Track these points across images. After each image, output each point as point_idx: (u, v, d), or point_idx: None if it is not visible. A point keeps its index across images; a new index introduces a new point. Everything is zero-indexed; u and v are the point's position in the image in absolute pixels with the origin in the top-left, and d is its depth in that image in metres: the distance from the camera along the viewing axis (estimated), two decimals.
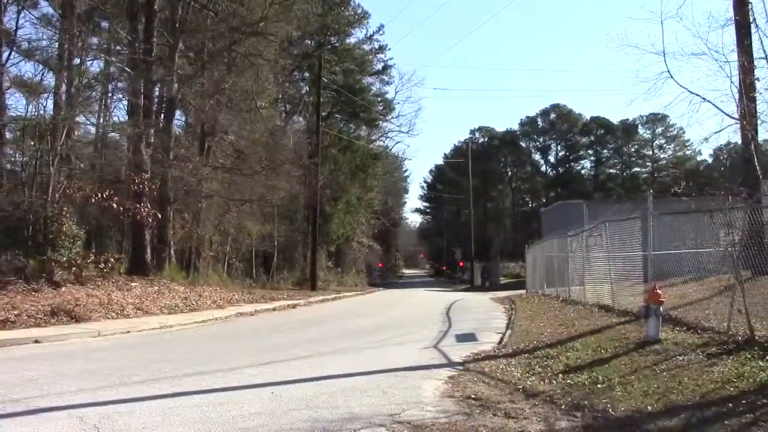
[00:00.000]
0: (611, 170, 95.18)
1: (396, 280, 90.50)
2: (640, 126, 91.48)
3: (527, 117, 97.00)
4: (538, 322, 14.96)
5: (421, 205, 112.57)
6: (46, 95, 21.68)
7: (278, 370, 9.07)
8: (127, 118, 26.67)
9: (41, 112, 20.52)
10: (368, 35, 48.96)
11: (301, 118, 46.02)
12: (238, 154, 30.61)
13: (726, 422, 5.64)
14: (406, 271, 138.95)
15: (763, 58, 10.88)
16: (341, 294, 35.40)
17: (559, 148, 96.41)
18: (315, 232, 37.85)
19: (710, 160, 72.98)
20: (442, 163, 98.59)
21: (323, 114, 42.81)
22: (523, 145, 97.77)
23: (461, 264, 67.14)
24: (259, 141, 31.55)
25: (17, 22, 22.76)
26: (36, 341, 11.84)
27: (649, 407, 6.38)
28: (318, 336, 13.83)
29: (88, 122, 28.48)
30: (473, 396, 7.35)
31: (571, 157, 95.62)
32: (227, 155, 30.81)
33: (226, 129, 29.55)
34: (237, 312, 19.44)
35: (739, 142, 12.48)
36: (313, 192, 36.96)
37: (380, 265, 69.05)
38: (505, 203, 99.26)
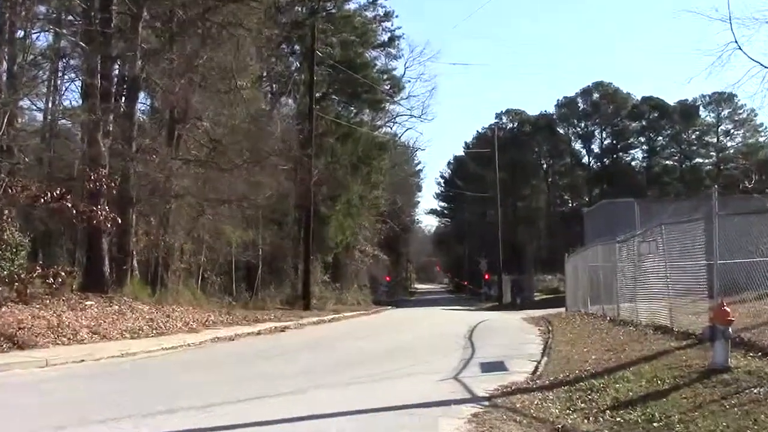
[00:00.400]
0: (667, 161, 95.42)
1: (407, 297, 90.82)
2: (702, 108, 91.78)
3: (565, 97, 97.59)
4: (581, 346, 15.00)
5: (437, 205, 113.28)
6: None
7: (262, 408, 9.06)
8: (80, 102, 26.74)
9: None
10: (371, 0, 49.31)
11: (290, 101, 46.24)
12: (214, 145, 30.62)
13: None
14: (420, 286, 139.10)
15: None
16: (340, 314, 35.45)
17: (604, 135, 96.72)
18: (308, 238, 37.88)
19: None
20: (463, 154, 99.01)
21: (317, 95, 42.81)
22: (561, 131, 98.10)
23: (486, 277, 67.45)
24: (239, 128, 31.47)
25: None
26: None
27: None
28: (311, 365, 13.93)
29: (34, 107, 28.63)
30: None
31: (618, 146, 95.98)
32: (201, 146, 30.88)
33: (199, 114, 29.59)
34: (213, 336, 19.50)
35: None
36: (305, 190, 37.05)
37: (387, 278, 69.33)
38: (539, 202, 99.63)
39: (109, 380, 11.71)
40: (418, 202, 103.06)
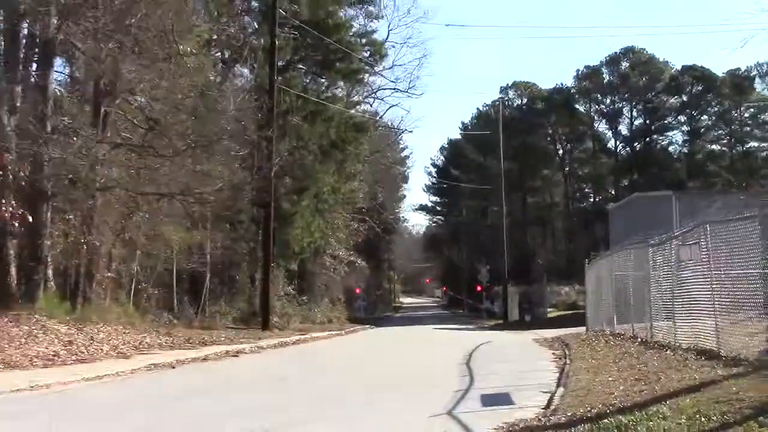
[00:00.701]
0: (714, 146, 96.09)
1: (391, 313, 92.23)
2: (758, 79, 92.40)
3: (587, 67, 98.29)
4: (605, 375, 15.03)
5: (427, 200, 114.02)
6: None
7: None
8: None
9: None
10: None
11: (246, 70, 46.45)
12: (151, 125, 30.15)
13: None
14: (406, 300, 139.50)
15: None
16: (308, 334, 35.70)
17: (635, 113, 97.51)
18: (268, 241, 38.05)
19: None
20: (460, 137, 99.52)
21: (280, 64, 42.84)
22: (582, 109, 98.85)
23: (480, 289, 68.03)
24: (182, 105, 30.97)
25: None
26: None
27: None
28: (268, 401, 13.91)
29: None
30: None
31: (653, 127, 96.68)
32: (135, 127, 30.55)
33: (132, 87, 29.23)
34: (149, 363, 19.43)
35: None
36: (265, 181, 37.14)
37: (357, 291, 69.97)
38: (554, 197, 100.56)
39: (7, 426, 11.49)
40: (404, 196, 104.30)
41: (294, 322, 42.00)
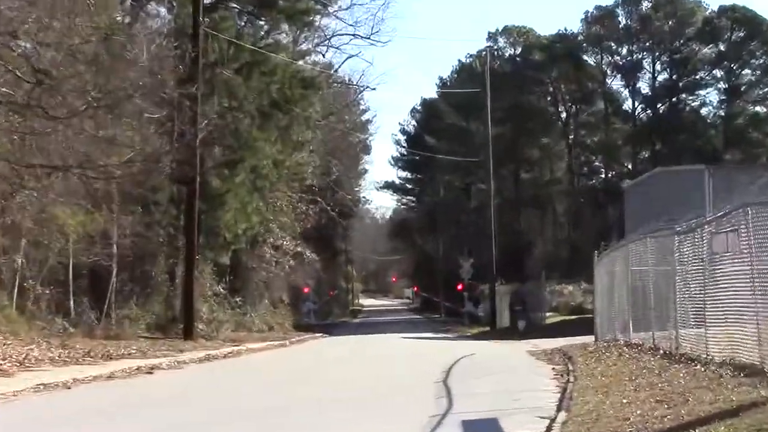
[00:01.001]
0: (758, 108, 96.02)
1: (348, 319, 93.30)
2: None
3: (598, 8, 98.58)
4: (618, 395, 14.98)
5: (395, 175, 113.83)
6: None
7: None
8: None
9: None
10: None
11: (163, 10, 46.60)
12: (39, 79, 29.65)
13: None
14: (368, 303, 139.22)
15: None
16: (242, 345, 36.07)
17: (658, 66, 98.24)
18: (192, 228, 38.23)
19: None
20: (436, 96, 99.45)
21: (207, 1, 42.88)
22: (591, 61, 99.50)
23: (461, 288, 68.43)
24: (81, 52, 30.65)
25: None
26: None
27: None
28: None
29: None
30: None
31: (680, 84, 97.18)
32: (18, 80, 29.91)
33: (14, 29, 28.77)
34: (37, 383, 19.30)
35: None
36: (188, 152, 37.15)
37: (305, 290, 70.25)
38: (555, 172, 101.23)
39: None
40: (366, 171, 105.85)
41: (225, 330, 42.27)
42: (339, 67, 66.67)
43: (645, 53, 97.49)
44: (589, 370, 20.26)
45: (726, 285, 17.26)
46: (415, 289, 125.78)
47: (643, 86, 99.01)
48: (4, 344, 23.96)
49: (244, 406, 17.01)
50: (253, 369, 28.16)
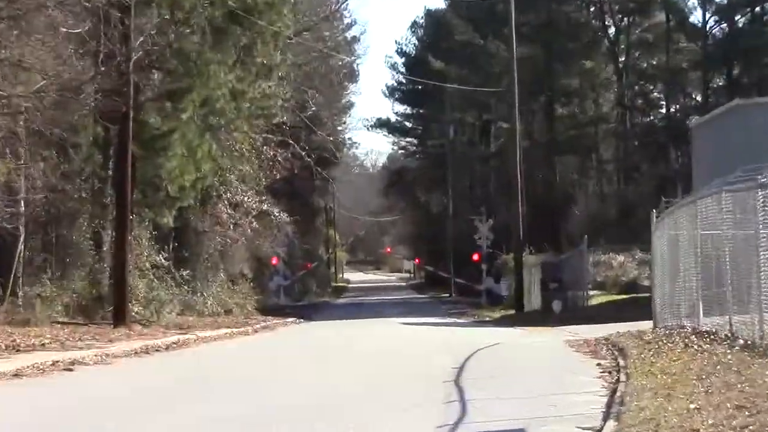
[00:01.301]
0: None
1: (329, 298, 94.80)
2: None
3: None
4: (684, 400, 15.00)
5: (391, 110, 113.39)
6: None
7: None
8: None
9: None
10: None
11: None
12: None
13: None
14: (355, 278, 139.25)
15: None
16: (190, 334, 36.37)
17: None
18: (125, 180, 38.29)
19: None
20: (444, 4, 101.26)
21: None
22: None
23: (478, 258, 69.82)
24: None
25: None
26: None
27: None
28: None
29: None
30: None
31: None
32: None
33: None
34: None
35: None
36: (119, 80, 37.16)
37: (274, 261, 70.56)
38: (600, 105, 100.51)
39: None
40: (352, 105, 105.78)
41: (168, 314, 42.86)
42: None
43: None
44: (645, 367, 20.34)
45: None
46: (416, 261, 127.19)
47: None
48: None
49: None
50: (205, 366, 28.15)
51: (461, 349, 28.81)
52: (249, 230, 57.97)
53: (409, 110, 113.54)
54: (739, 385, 15.30)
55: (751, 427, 11.99)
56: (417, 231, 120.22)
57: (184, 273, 48.80)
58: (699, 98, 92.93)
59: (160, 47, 43.03)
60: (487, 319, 57.38)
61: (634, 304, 44.96)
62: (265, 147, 58.95)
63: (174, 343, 33.02)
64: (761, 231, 20.75)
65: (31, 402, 19.21)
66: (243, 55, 49.76)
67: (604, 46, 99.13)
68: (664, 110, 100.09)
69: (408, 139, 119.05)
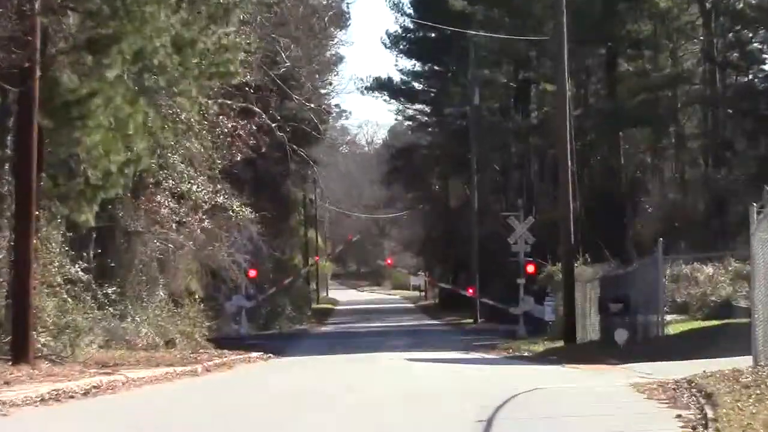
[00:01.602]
0: None
1: (310, 325, 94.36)
2: None
3: None
4: None
5: (393, 65, 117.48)
6: None
7: None
8: None
9: None
10: None
11: None
12: None
13: None
14: (345, 297, 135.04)
15: None
16: (116, 375, 33.73)
17: None
18: (28, 163, 36.61)
19: None
20: None
21: None
22: None
23: (529, 269, 66.36)
24: None
25: None
26: None
27: None
28: None
29: None
30: None
31: None
32: None
33: None
34: None
35: None
36: (22, 24, 35.90)
37: (251, 275, 71.44)
38: (680, 60, 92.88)
39: None
40: (341, 59, 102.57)
41: (87, 346, 40.18)
42: None
43: None
44: (743, 420, 18.26)
45: None
46: (427, 276, 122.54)
47: None
48: None
49: None
50: (135, 422, 22.74)
51: (490, 395, 25.14)
52: (198, 231, 54.80)
53: (418, 67, 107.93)
54: None
55: None
56: (428, 233, 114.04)
57: (110, 290, 45.53)
58: None
59: None
60: (526, 353, 53.77)
61: (728, 334, 41.60)
62: (221, 117, 54.46)
63: (95, 387, 29.76)
64: None
65: None
66: None
67: None
68: (766, 65, 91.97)
69: (417, 107, 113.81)
